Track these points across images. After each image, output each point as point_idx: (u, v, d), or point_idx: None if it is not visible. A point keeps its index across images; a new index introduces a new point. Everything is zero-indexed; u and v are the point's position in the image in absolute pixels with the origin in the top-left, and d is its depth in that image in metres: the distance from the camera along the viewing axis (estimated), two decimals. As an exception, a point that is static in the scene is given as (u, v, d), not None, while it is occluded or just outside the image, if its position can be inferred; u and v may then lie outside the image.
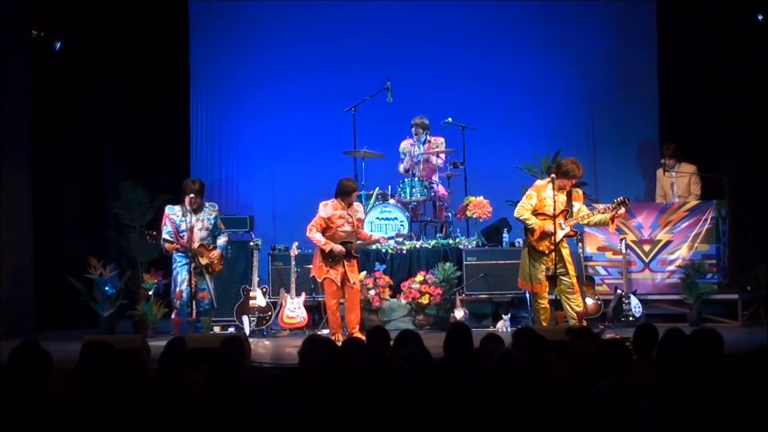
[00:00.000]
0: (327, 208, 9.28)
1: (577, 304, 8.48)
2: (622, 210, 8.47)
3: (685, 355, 4.62)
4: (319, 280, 9.37)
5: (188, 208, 8.96)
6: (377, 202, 10.60)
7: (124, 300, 10.54)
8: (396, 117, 11.18)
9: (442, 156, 10.83)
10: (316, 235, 9.18)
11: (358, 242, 9.32)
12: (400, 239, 10.15)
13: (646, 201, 11.03)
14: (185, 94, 12.33)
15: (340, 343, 8.26)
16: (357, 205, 9.60)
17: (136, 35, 11.64)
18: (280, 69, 12.32)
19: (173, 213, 9.02)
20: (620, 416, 3.73)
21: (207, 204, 9.20)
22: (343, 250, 9.14)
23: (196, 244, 8.93)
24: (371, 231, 10.04)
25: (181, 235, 8.94)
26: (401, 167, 10.96)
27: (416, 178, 10.62)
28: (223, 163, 12.48)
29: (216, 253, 9.05)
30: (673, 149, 10.62)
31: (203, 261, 8.96)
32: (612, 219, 8.49)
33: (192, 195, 8.94)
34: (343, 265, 9.18)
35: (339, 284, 9.18)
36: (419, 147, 10.82)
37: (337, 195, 9.31)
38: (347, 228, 9.25)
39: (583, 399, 3.94)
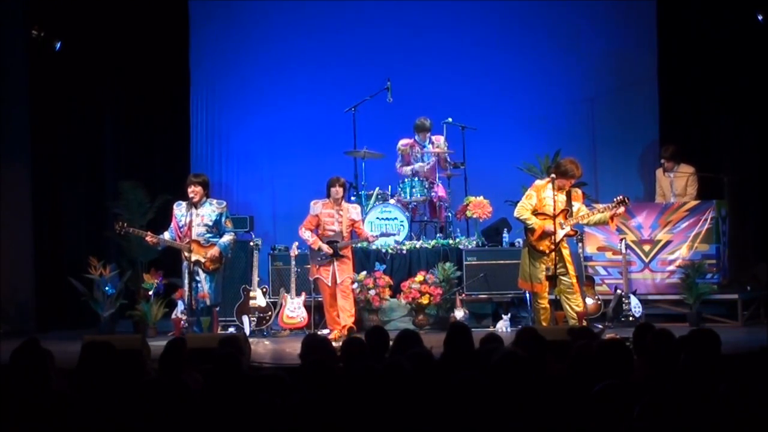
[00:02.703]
0: (316, 206, 9.46)
1: (577, 304, 8.48)
2: (621, 209, 8.47)
3: (683, 355, 4.62)
4: (311, 279, 9.54)
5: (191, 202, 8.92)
6: (377, 202, 10.60)
7: (124, 300, 10.54)
8: (396, 117, 11.18)
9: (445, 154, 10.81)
10: (305, 234, 9.42)
11: (343, 242, 9.32)
12: (393, 238, 10.17)
13: (646, 201, 11.03)
14: (185, 94, 12.33)
15: (335, 340, 8.30)
16: (353, 206, 9.62)
17: (136, 35, 11.65)
18: (280, 69, 12.32)
19: (179, 207, 8.97)
20: (620, 416, 3.73)
21: (214, 200, 9.07)
22: (330, 249, 9.26)
23: (188, 239, 8.75)
24: (371, 231, 10.03)
25: (181, 229, 8.89)
26: (403, 168, 10.89)
27: (416, 178, 10.61)
28: (223, 163, 12.48)
29: (213, 251, 8.85)
30: (671, 151, 10.63)
31: (193, 257, 8.69)
32: (612, 218, 8.50)
33: (192, 186, 8.89)
34: (333, 265, 9.27)
35: (330, 284, 9.31)
36: (424, 147, 10.81)
37: (326, 191, 9.45)
38: (335, 227, 9.34)
39: (583, 399, 3.94)
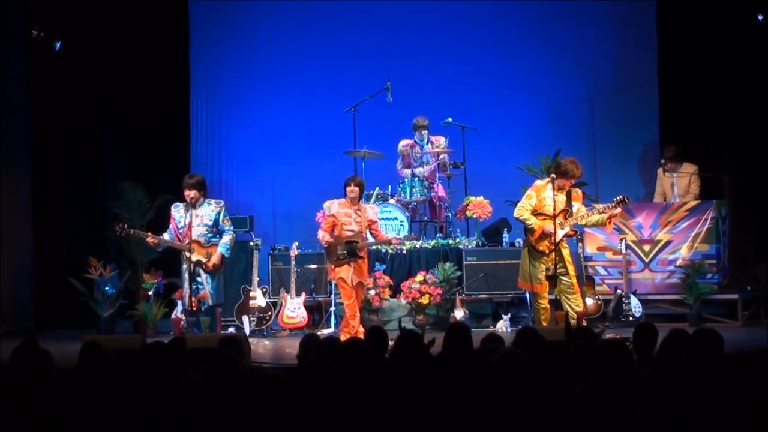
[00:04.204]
0: (333, 205, 9.26)
1: (577, 304, 8.48)
2: (619, 210, 8.48)
3: (685, 355, 4.61)
4: (334, 281, 9.33)
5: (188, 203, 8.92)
6: (377, 202, 10.59)
7: (124, 300, 10.54)
8: (396, 117, 11.18)
9: (445, 156, 10.82)
10: (319, 233, 9.21)
11: (362, 243, 9.13)
12: (411, 241, 10.10)
13: (646, 201, 11.03)
14: (185, 94, 12.33)
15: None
16: (370, 207, 9.50)
17: (136, 35, 11.65)
18: (281, 69, 12.32)
19: (176, 210, 8.98)
20: (605, 417, 3.71)
21: (212, 200, 9.09)
22: (345, 251, 9.04)
23: (188, 240, 8.76)
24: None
25: (180, 231, 8.89)
26: (402, 170, 10.88)
27: (416, 178, 10.61)
28: (223, 163, 12.48)
29: (215, 258, 8.87)
30: (673, 152, 10.62)
31: (193, 257, 8.70)
32: (609, 219, 8.50)
33: (186, 189, 8.89)
34: (350, 265, 9.09)
35: (351, 283, 9.07)
36: (423, 147, 10.81)
37: (343, 193, 9.31)
38: (354, 227, 9.14)
39: (582, 399, 3.93)
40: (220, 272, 8.99)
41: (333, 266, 9.17)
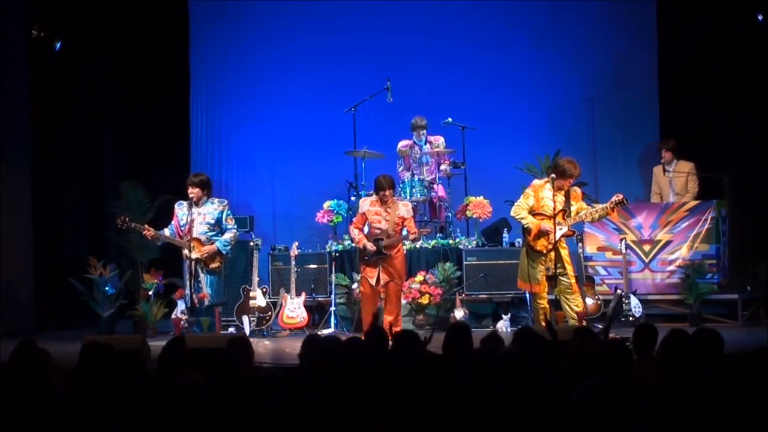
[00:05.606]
0: (365, 203, 9.19)
1: (576, 304, 8.47)
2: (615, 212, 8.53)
3: (686, 355, 4.62)
4: (358, 278, 9.33)
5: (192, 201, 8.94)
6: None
7: (124, 300, 10.54)
8: (396, 117, 11.18)
9: (444, 156, 10.81)
10: (353, 232, 9.13)
11: (388, 240, 8.97)
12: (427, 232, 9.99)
13: (645, 201, 11.03)
14: (185, 94, 12.33)
15: None
16: (403, 204, 9.23)
17: (136, 35, 11.66)
18: (281, 69, 12.32)
19: (180, 207, 9.01)
20: (605, 417, 3.71)
21: (215, 199, 9.11)
22: (374, 248, 8.93)
23: (189, 237, 8.79)
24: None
25: (182, 228, 8.90)
26: (403, 173, 10.85)
27: (416, 178, 10.61)
28: (223, 163, 12.48)
29: (209, 247, 8.87)
30: (671, 145, 10.69)
31: (192, 255, 8.73)
32: (612, 209, 8.49)
33: (190, 187, 8.91)
34: (379, 264, 8.97)
35: (374, 284, 8.96)
36: (422, 148, 10.80)
37: (374, 191, 9.20)
38: (382, 225, 8.98)
39: (582, 400, 3.93)
40: (219, 272, 9.00)
41: (362, 266, 9.06)
